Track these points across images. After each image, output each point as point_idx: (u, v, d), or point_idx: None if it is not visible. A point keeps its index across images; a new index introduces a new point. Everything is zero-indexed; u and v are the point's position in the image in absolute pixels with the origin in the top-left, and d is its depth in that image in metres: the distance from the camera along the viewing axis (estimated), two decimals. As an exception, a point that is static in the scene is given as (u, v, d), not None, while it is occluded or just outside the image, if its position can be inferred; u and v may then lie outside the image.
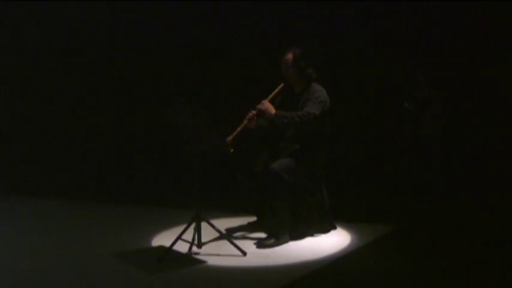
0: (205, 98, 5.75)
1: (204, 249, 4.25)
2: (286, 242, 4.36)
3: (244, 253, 4.10)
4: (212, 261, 4.01)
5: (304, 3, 5.62)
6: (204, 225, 4.23)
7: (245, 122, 4.46)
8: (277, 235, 4.34)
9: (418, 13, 5.24)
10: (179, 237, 4.15)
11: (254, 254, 4.15)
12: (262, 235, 4.53)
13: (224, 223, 4.92)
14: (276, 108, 4.45)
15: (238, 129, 4.43)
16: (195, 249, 4.20)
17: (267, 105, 4.45)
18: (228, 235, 4.50)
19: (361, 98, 5.45)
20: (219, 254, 4.16)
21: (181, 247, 4.19)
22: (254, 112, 4.47)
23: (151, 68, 6.40)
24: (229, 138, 4.37)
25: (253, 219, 4.82)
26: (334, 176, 4.84)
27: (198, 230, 4.21)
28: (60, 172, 6.81)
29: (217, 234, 4.36)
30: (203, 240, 4.28)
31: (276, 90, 4.57)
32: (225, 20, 6.01)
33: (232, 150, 4.22)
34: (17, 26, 7.09)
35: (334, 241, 4.46)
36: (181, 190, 5.41)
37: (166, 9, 6.25)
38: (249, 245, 4.31)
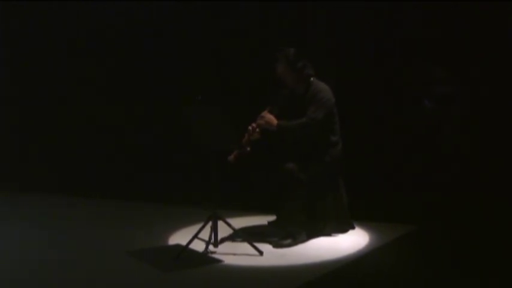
0: (221, 97, 5.74)
1: (221, 248, 4.23)
2: (303, 241, 4.33)
3: (260, 252, 4.07)
4: (228, 260, 3.98)
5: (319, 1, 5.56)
6: (220, 224, 4.21)
7: (246, 138, 4.27)
8: (294, 235, 4.30)
9: (438, 7, 5.13)
10: (196, 236, 4.13)
11: (271, 254, 4.12)
12: (280, 234, 4.50)
13: (241, 222, 4.91)
14: (282, 113, 4.32)
15: (241, 145, 4.23)
16: (211, 248, 4.18)
17: (267, 118, 4.31)
18: (245, 234, 4.47)
19: (380, 95, 5.37)
20: (235, 253, 4.13)
21: (198, 246, 4.18)
22: (254, 125, 4.31)
23: (169, 66, 6.39)
24: (231, 157, 4.24)
25: (272, 218, 4.78)
26: (352, 174, 4.79)
27: (214, 228, 4.20)
28: (78, 170, 6.84)
29: (233, 233, 4.33)
30: (220, 239, 4.27)
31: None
32: (238, 18, 5.98)
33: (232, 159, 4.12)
34: (23, 23, 7.15)
35: (352, 241, 4.42)
36: (198, 188, 5.40)
37: (177, 7, 6.25)
38: (265, 245, 4.28)
